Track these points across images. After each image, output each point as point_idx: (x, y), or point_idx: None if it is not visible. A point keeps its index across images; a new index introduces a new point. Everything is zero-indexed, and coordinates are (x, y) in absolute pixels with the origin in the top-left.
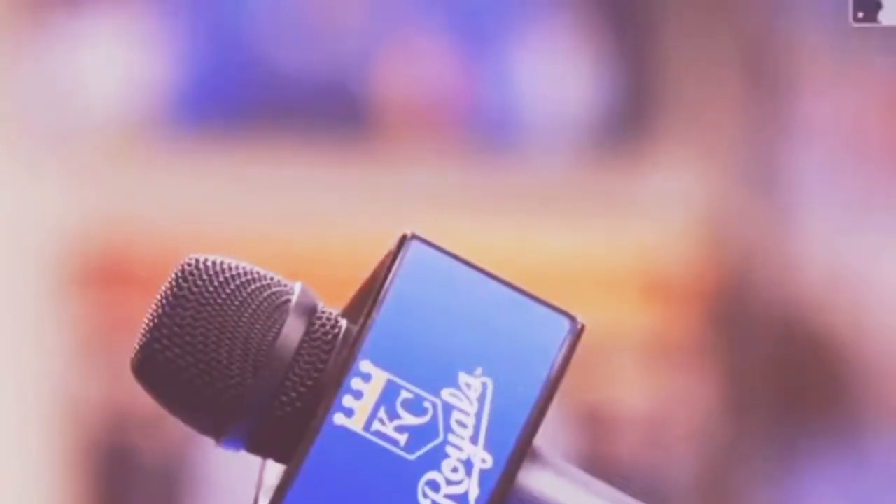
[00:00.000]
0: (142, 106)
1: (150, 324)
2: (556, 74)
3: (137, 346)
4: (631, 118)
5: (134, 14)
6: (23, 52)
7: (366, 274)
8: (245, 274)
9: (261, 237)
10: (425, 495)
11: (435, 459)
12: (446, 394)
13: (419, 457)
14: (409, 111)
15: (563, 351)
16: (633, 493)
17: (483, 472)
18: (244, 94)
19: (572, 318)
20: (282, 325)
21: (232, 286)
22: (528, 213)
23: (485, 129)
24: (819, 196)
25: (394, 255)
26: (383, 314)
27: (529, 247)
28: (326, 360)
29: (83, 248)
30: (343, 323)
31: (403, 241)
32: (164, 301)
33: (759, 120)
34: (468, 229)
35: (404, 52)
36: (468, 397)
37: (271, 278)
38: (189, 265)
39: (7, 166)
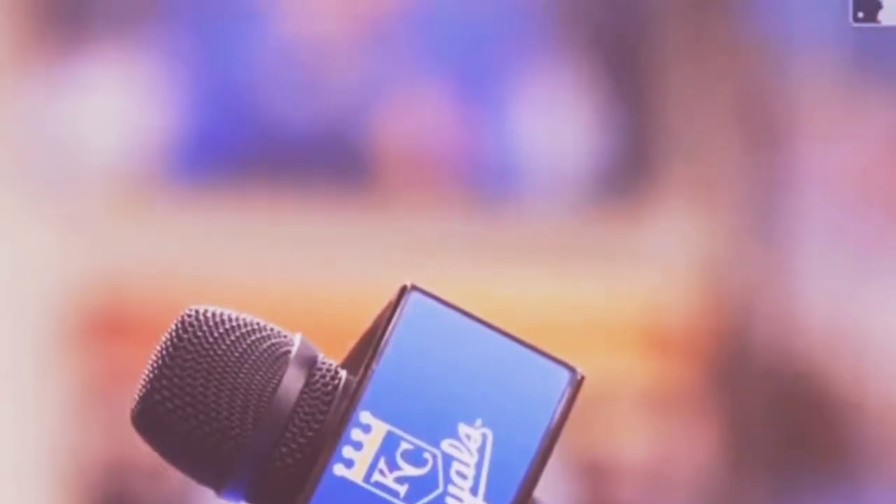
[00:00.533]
0: (142, 157)
1: (150, 375)
2: (556, 126)
3: (137, 397)
4: (630, 169)
5: (134, 66)
6: (23, 103)
7: (366, 324)
8: (245, 325)
9: (261, 288)
10: None
11: None
12: (446, 445)
13: None
14: (410, 162)
15: (563, 402)
16: None
17: None
18: (244, 145)
19: (572, 370)
20: (282, 377)
21: (232, 337)
22: (528, 264)
23: (486, 180)
24: (819, 245)
25: (393, 306)
26: (383, 365)
27: (530, 297)
28: (326, 412)
29: (83, 298)
30: (343, 374)
31: (403, 292)
32: (163, 352)
33: (758, 170)
34: (469, 280)
35: (404, 103)
36: (468, 448)
37: (271, 329)
38: (189, 316)
39: (6, 218)
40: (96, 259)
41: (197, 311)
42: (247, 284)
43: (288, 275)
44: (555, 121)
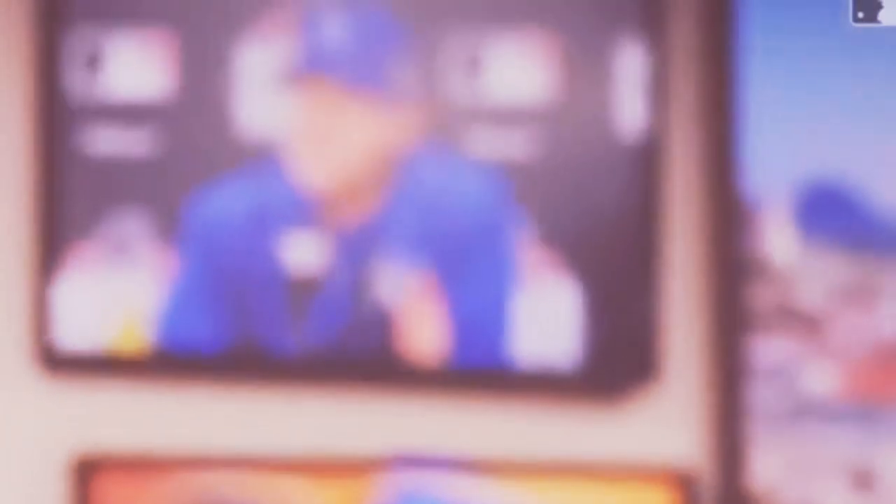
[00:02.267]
0: (141, 328)
1: None
2: (548, 326)
3: None
4: (620, 371)
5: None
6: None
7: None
8: None
9: (256, 463)
10: None
11: None
12: None
13: None
14: (405, 360)
15: None
16: None
17: None
18: (236, 339)
19: None
20: None
21: None
22: (515, 462)
23: (476, 379)
24: (774, 435)
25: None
26: None
27: (520, 489)
28: None
29: (70, 472)
30: None
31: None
32: None
33: (726, 367)
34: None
35: (398, 306)
36: None
37: None
38: None
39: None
40: (96, 432)
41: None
42: (244, 460)
43: (292, 452)
44: (546, 319)
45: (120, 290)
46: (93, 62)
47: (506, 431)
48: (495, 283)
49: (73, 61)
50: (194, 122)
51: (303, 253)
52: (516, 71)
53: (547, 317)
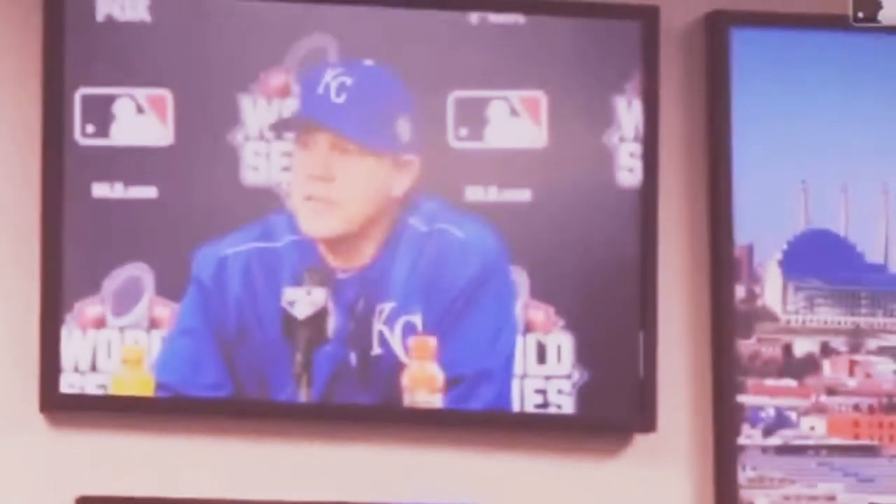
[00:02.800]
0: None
1: None
2: (540, 378)
3: None
4: (607, 422)
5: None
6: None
7: None
8: None
9: None
10: None
11: None
12: None
13: None
14: (403, 413)
15: None
16: None
17: None
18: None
19: None
20: None
21: None
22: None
23: (474, 421)
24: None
25: None
26: None
27: None
28: None
29: None
30: None
31: None
32: None
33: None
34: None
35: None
36: None
37: None
38: None
39: (9, 442)
40: (99, 481)
41: None
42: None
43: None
44: (543, 369)
45: (124, 340)
46: (100, 120)
47: (505, 480)
48: (493, 332)
49: (81, 120)
50: (198, 176)
51: (304, 302)
52: (514, 125)
53: (544, 367)
